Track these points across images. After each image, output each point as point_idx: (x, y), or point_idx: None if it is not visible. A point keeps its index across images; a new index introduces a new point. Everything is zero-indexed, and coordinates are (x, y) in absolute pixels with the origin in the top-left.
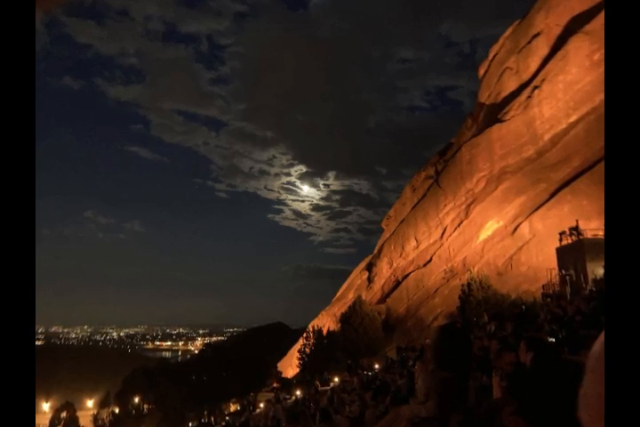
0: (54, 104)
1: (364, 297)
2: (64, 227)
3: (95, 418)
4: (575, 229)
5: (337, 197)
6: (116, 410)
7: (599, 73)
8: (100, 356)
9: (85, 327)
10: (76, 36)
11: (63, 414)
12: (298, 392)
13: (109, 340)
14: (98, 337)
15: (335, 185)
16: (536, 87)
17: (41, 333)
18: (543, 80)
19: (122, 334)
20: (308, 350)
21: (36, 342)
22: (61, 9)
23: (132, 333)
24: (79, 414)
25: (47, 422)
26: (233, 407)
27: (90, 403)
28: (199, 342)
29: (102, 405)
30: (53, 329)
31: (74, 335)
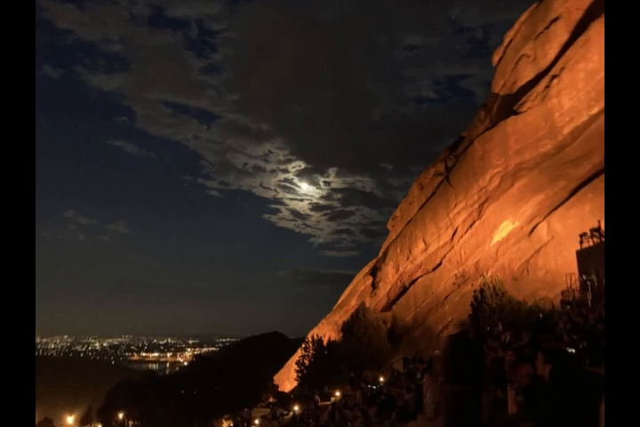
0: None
1: (367, 304)
2: (42, 228)
3: None
4: (597, 231)
5: (338, 195)
6: None
7: None
8: (81, 368)
9: (65, 337)
10: (55, 22)
11: None
12: (296, 408)
13: (91, 351)
14: (79, 348)
15: (336, 183)
16: (555, 76)
17: None
18: (562, 68)
19: (105, 344)
20: (306, 362)
21: None
22: None
23: (115, 343)
24: None
25: None
26: (226, 424)
27: (70, 419)
28: (189, 353)
29: (84, 421)
30: None
31: (53, 346)
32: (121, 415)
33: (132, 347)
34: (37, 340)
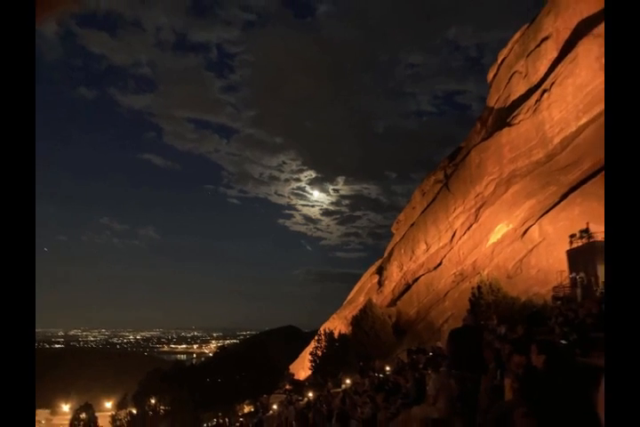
0: (69, 114)
1: (374, 300)
2: (81, 233)
3: (113, 419)
4: (586, 232)
5: (347, 201)
6: (134, 411)
7: None
8: (117, 359)
9: (103, 331)
10: (89, 47)
11: (83, 415)
12: (310, 394)
13: (126, 343)
14: (115, 340)
15: (345, 190)
16: (545, 91)
17: (60, 336)
18: (552, 83)
19: (138, 337)
20: (319, 353)
21: (56, 346)
22: (75, 20)
23: (147, 336)
24: (98, 415)
25: (67, 422)
26: (246, 409)
27: (108, 404)
28: (213, 344)
29: (120, 406)
30: (72, 332)
31: (92, 338)
32: (153, 401)
33: (163, 339)
34: (78, 333)
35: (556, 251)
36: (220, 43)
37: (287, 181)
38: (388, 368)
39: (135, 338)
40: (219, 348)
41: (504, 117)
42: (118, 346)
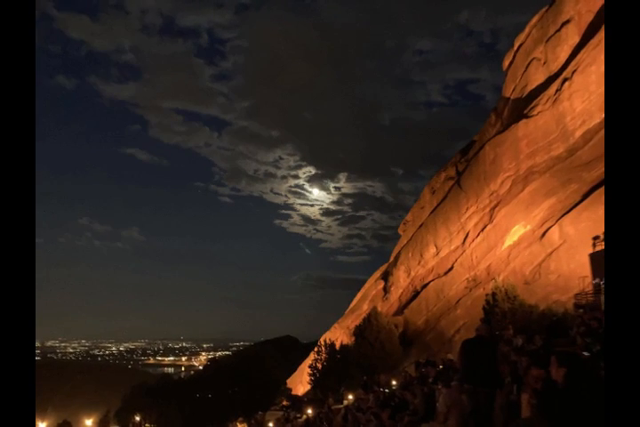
0: (47, 104)
1: (379, 309)
2: (58, 235)
3: None
4: None
5: (349, 200)
6: None
7: None
8: (98, 372)
9: (83, 341)
10: (68, 32)
11: None
12: (309, 411)
13: (108, 355)
14: (96, 352)
15: (347, 188)
16: (566, 79)
17: (36, 347)
18: (574, 71)
19: (121, 348)
20: (319, 366)
21: None
22: (52, 3)
23: (132, 347)
24: None
25: None
26: None
27: (89, 422)
28: (203, 357)
29: (102, 424)
30: (49, 343)
31: (71, 350)
32: (138, 418)
33: (148, 351)
34: (56, 344)
35: (578, 254)
36: (210, 27)
37: (284, 178)
38: (394, 383)
39: (118, 350)
40: (209, 360)
41: (521, 109)
42: (100, 358)
